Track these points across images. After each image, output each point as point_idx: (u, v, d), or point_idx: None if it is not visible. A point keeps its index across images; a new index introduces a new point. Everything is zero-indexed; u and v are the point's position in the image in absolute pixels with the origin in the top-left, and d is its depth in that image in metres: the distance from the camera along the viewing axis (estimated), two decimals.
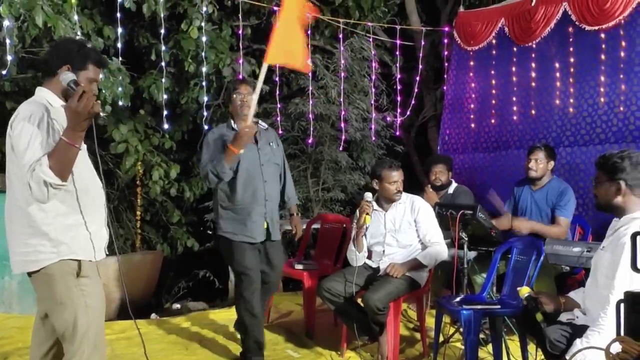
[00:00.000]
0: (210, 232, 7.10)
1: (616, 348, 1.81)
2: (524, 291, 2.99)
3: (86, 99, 2.23)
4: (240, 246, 3.79)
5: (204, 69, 5.70)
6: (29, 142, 2.29)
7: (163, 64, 5.51)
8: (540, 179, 4.54)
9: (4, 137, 2.46)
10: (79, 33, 4.80)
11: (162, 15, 5.20)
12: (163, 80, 5.64)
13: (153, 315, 5.35)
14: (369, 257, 4.12)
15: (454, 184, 5.09)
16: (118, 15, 5.01)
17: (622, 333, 1.83)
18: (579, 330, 2.64)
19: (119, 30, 5.02)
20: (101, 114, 2.35)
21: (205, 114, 5.89)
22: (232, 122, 3.88)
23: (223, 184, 3.77)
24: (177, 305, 6.06)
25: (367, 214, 3.84)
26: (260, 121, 3.99)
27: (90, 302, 2.45)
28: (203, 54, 5.67)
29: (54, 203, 2.36)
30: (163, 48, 5.49)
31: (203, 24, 5.69)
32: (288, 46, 3.50)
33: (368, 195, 3.92)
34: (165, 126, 5.48)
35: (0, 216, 2.65)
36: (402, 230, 4.02)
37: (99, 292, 2.53)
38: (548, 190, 4.52)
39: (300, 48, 3.56)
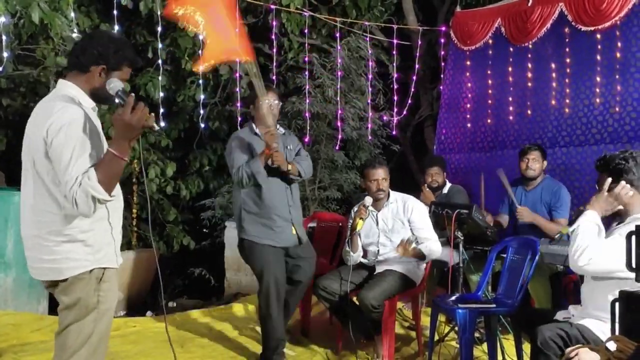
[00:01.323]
0: (206, 230, 7.10)
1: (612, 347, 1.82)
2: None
3: (140, 112, 2.07)
4: (264, 249, 3.78)
5: (200, 67, 5.69)
6: (73, 153, 2.08)
7: (160, 61, 5.50)
8: (536, 178, 4.57)
9: None
10: (75, 30, 4.79)
11: (159, 13, 5.19)
12: (160, 78, 5.63)
13: (148, 313, 5.34)
14: (364, 256, 4.13)
15: (448, 184, 5.14)
16: (115, 12, 5.00)
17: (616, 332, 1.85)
18: (575, 328, 2.64)
19: (116, 27, 5.00)
20: (155, 127, 2.17)
21: (201, 112, 5.88)
22: (253, 126, 3.90)
23: (249, 191, 3.78)
24: (172, 303, 6.05)
25: (361, 218, 3.85)
26: (278, 126, 3.97)
27: (104, 307, 2.31)
28: (200, 52, 5.66)
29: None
30: (160, 46, 5.48)
31: None
32: (222, 42, 3.31)
33: (368, 200, 3.92)
34: (162, 124, 5.47)
35: None
36: (395, 230, 4.03)
37: (114, 296, 2.38)
38: (542, 189, 4.54)
39: (233, 39, 3.33)
